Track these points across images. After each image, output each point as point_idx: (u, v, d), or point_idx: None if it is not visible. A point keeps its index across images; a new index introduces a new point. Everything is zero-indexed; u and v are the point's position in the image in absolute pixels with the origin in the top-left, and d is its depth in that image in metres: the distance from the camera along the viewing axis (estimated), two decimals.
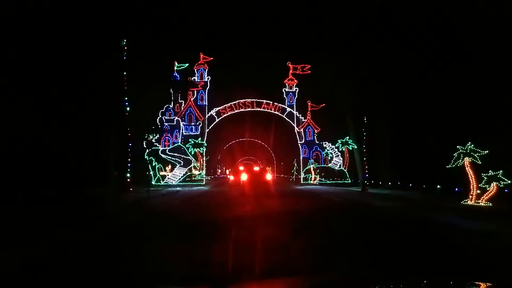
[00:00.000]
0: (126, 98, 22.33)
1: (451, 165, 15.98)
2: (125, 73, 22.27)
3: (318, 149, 34.81)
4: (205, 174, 54.07)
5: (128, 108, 22.41)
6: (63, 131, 21.54)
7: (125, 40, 22.35)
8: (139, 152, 32.87)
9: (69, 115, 20.91)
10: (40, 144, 21.26)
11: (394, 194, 23.47)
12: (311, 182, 34.47)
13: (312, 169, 34.64)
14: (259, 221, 11.15)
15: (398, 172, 31.56)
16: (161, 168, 33.36)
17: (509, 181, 14.52)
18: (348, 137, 34.03)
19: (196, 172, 35.49)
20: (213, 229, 9.37)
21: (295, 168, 49.49)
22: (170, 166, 33.65)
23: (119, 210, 14.12)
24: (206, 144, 34.15)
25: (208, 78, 34.26)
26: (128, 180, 22.27)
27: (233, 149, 57.41)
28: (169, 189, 29.23)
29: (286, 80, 35.07)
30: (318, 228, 9.93)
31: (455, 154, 15.95)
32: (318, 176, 34.61)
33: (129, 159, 22.44)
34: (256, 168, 34.01)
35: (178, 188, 30.10)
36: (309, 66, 34.47)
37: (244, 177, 28.17)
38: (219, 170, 75.83)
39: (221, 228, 9.51)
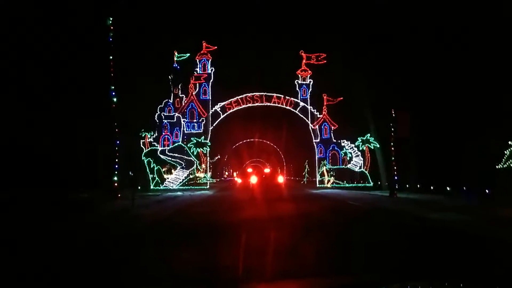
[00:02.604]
0: (113, 87, 18.79)
1: (502, 164, 12.36)
2: (111, 57, 18.74)
3: (336, 148, 31.00)
4: (211, 177, 50.89)
5: (115, 99, 18.86)
6: (41, 125, 18.22)
7: (111, 19, 18.83)
8: (135, 153, 29.54)
9: (45, 106, 17.57)
10: (14, 141, 18.01)
11: (431, 199, 19.63)
12: (324, 184, 30.67)
13: (325, 170, 30.87)
14: (279, 246, 7.48)
15: (425, 174, 27.87)
16: (160, 170, 29.85)
17: None
18: (369, 135, 30.24)
19: (201, 175, 31.94)
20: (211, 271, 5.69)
21: (306, 169, 45.90)
22: (165, 168, 30.14)
23: (86, 227, 10.51)
24: (209, 143, 30.55)
25: (211, 70, 30.69)
26: (116, 184, 18.71)
27: (241, 150, 53.88)
28: (169, 194, 25.76)
29: (299, 71, 31.35)
30: (366, 256, 6.31)
31: (507, 152, 12.33)
32: (333, 178, 30.79)
33: (116, 160, 18.87)
34: (267, 170, 30.52)
35: (178, 193, 26.60)
36: (325, 55, 30.77)
37: (253, 179, 24.67)
38: (226, 173, 72.46)
39: (222, 268, 5.83)
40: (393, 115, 23.52)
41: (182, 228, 10.34)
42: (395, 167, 23.30)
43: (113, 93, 18.86)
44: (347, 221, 11.94)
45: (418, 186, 27.65)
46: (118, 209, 14.46)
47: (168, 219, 12.47)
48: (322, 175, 31.44)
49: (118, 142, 18.98)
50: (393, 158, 23.35)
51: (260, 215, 13.13)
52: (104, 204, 15.99)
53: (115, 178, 18.72)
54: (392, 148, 23.24)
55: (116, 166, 18.83)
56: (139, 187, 29.31)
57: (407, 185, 27.05)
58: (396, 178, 23.07)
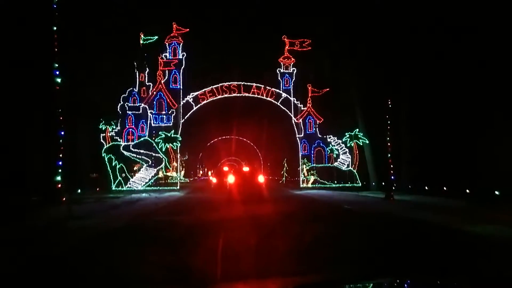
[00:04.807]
0: (57, 65, 15.08)
1: None
2: (55, 28, 15.03)
3: (321, 144, 27.99)
4: (184, 176, 47.14)
5: (59, 80, 15.14)
6: None
7: None
8: (95, 149, 25.76)
9: None
10: None
11: (439, 203, 16.87)
12: (305, 185, 27.63)
13: (305, 169, 27.86)
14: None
15: (418, 173, 25.38)
16: (123, 168, 26.08)
17: None
18: (357, 129, 27.40)
19: (174, 174, 28.37)
20: None
21: (285, 169, 42.94)
22: (136, 167, 26.46)
23: None
24: (180, 138, 26.97)
25: (183, 55, 27.11)
26: (59, 185, 15.01)
27: (217, 147, 50.49)
28: (132, 196, 22.19)
29: (281, 59, 28.13)
30: None
31: None
32: (313, 177, 27.77)
33: (60, 155, 15.17)
34: (246, 169, 27.24)
35: (143, 195, 23.05)
36: (310, 41, 27.70)
37: (231, 179, 21.36)
38: (201, 172, 68.93)
39: None
40: (389, 105, 20.68)
41: (126, 250, 6.96)
42: (391, 166, 20.46)
43: (57, 72, 15.12)
44: (362, 238, 8.79)
45: (409, 186, 25.10)
46: (50, 220, 10.82)
47: (112, 234, 9.03)
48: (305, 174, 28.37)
49: (62, 133, 15.26)
50: (389, 155, 20.51)
51: (241, 227, 9.84)
52: (34, 213, 12.31)
53: (58, 178, 15.01)
54: (389, 144, 20.36)
55: (60, 162, 15.10)
56: (97, 189, 25.60)
57: (397, 186, 24.37)
58: (393, 178, 20.21)
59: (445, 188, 22.01)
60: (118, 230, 9.64)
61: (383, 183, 19.95)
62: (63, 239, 8.31)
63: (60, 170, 15.20)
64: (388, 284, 3.14)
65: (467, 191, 19.90)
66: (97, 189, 24.92)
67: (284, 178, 43.16)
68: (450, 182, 22.95)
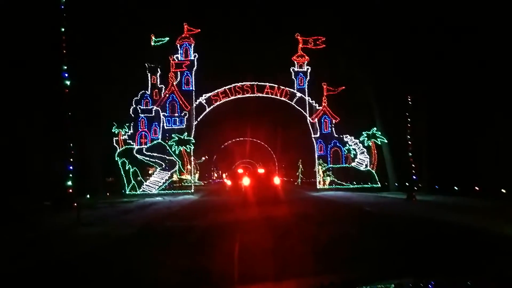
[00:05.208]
0: (66, 67, 14.74)
1: None
2: (63, 29, 14.70)
3: (338, 144, 27.18)
4: (198, 179, 46.73)
5: (68, 83, 14.80)
6: None
7: None
8: (109, 153, 25.51)
9: None
10: None
11: (460, 203, 16.02)
12: (321, 186, 26.88)
13: (320, 170, 27.09)
14: None
15: (438, 172, 24.47)
16: (136, 172, 25.75)
17: None
18: (375, 128, 26.54)
19: (188, 177, 27.87)
20: None
21: (300, 170, 42.18)
22: (151, 171, 26.10)
23: None
24: (194, 141, 26.50)
25: (195, 56, 26.66)
26: (70, 190, 14.64)
27: (232, 149, 49.98)
28: (146, 199, 21.84)
29: (294, 57, 27.44)
30: None
31: None
32: (329, 178, 26.97)
33: (71, 159, 14.81)
34: (261, 171, 26.53)
35: (157, 199, 22.70)
36: (324, 39, 26.95)
37: (246, 181, 20.80)
38: (215, 174, 68.47)
39: None
40: (409, 102, 19.83)
41: (135, 258, 6.43)
42: (412, 165, 19.59)
43: (66, 74, 14.77)
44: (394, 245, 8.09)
45: (430, 186, 24.14)
46: (57, 227, 10.37)
47: (120, 242, 8.53)
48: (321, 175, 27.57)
49: (70, 136, 14.91)
50: (410, 154, 19.65)
51: (258, 232, 9.24)
52: (44, 219, 11.91)
53: (69, 183, 14.64)
54: (410, 142, 19.51)
55: (71, 167, 14.73)
56: (107, 193, 25.25)
57: (420, 185, 23.47)
58: (415, 178, 19.34)
59: (467, 188, 21.07)
60: (127, 237, 9.12)
61: (406, 183, 19.08)
62: (68, 248, 7.82)
63: (71, 175, 14.79)
64: (412, 284, 2.99)
65: (483, 190, 18.99)
66: (107, 193, 24.54)
67: (299, 180, 42.42)
68: (471, 182, 22.04)
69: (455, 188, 22.55)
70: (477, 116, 21.84)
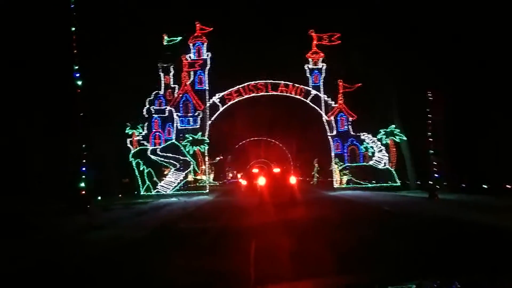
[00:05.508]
0: (77, 67, 14.55)
1: None
2: (73, 28, 14.51)
3: (355, 142, 26.51)
4: (213, 179, 46.42)
5: (80, 83, 14.61)
6: None
7: None
8: (124, 154, 25.40)
9: None
10: None
11: (486, 202, 15.29)
12: (338, 185, 26.27)
13: (336, 169, 26.47)
14: None
15: (460, 170, 23.69)
16: (151, 173, 25.54)
17: None
18: (394, 126, 25.79)
19: (204, 177, 27.49)
20: None
21: (316, 169, 41.50)
22: (167, 171, 25.86)
23: None
24: (208, 140, 26.18)
25: (208, 55, 26.34)
26: (83, 192, 14.44)
27: (246, 148, 49.51)
28: (161, 200, 21.61)
29: (309, 54, 26.88)
30: None
31: None
32: (346, 177, 26.32)
33: (84, 161, 14.61)
34: (276, 170, 25.87)
35: (172, 199, 22.45)
36: (339, 35, 26.31)
37: (261, 181, 20.36)
38: (230, 174, 68.12)
39: None
40: (429, 97, 19.10)
41: (145, 263, 6.07)
42: (434, 163, 18.85)
43: (77, 75, 14.57)
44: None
45: (451, 185, 23.31)
46: (67, 231, 10.08)
47: (131, 246, 8.18)
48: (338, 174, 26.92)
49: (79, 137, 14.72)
50: (431, 151, 18.93)
51: (275, 234, 8.80)
52: (55, 221, 11.67)
53: (82, 185, 14.43)
54: (430, 140, 18.79)
55: (83, 168, 14.53)
56: (119, 195, 25.06)
57: (445, 183, 22.68)
58: (437, 176, 18.60)
59: (493, 187, 20.23)
60: (139, 240, 8.78)
61: (429, 182, 18.37)
62: (75, 252, 7.50)
63: (83, 176, 14.58)
64: (430, 285, 2.92)
65: None
66: (120, 195, 24.34)
67: (315, 179, 41.74)
68: (495, 180, 21.22)
69: (482, 186, 21.71)
70: (499, 113, 21.02)
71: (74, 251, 7.61)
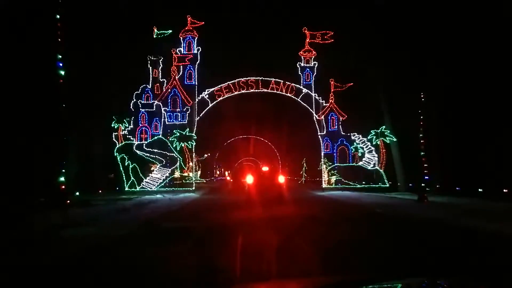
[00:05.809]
0: (60, 56, 13.86)
1: None
2: (58, 16, 13.82)
3: (345, 142, 26.23)
4: (200, 177, 45.86)
5: (63, 73, 13.93)
6: None
7: None
8: (109, 148, 24.71)
9: None
10: None
11: (476, 205, 15.07)
12: (326, 185, 25.98)
13: (325, 169, 26.17)
14: None
15: (449, 173, 23.49)
16: (136, 168, 24.89)
17: None
18: (384, 127, 25.57)
19: (191, 174, 26.93)
20: None
21: (304, 168, 41.33)
22: (154, 168, 25.23)
23: None
24: (195, 137, 25.64)
25: (198, 50, 25.77)
26: (63, 186, 13.77)
27: (235, 146, 49.05)
28: (146, 197, 21.05)
29: (301, 52, 26.49)
30: None
31: None
32: (334, 177, 26.04)
33: (64, 154, 13.94)
34: (265, 169, 25.52)
35: (157, 196, 21.87)
36: (332, 33, 26.00)
37: (249, 179, 19.98)
38: (218, 172, 67.61)
39: None
40: (422, 99, 18.86)
41: (119, 267, 5.58)
42: (425, 165, 18.61)
43: (60, 64, 13.89)
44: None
45: (439, 187, 23.16)
46: (40, 228, 9.47)
47: (107, 247, 7.66)
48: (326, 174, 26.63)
49: (64, 131, 14.05)
50: (422, 153, 18.66)
51: (262, 234, 8.37)
52: (30, 218, 11.06)
53: (62, 179, 13.74)
54: (422, 141, 18.54)
55: (64, 162, 13.86)
56: (99, 190, 24.36)
57: (437, 185, 22.55)
58: (428, 178, 18.37)
59: (487, 190, 20.04)
60: (117, 240, 8.25)
61: (422, 184, 18.10)
62: (44, 253, 6.94)
63: (63, 171, 13.91)
64: (416, 284, 2.95)
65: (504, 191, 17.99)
66: (100, 191, 23.64)
67: (303, 179, 41.52)
68: (482, 182, 21.06)
69: (477, 189, 21.53)
70: (492, 115, 20.84)
71: (44, 250, 7.06)
